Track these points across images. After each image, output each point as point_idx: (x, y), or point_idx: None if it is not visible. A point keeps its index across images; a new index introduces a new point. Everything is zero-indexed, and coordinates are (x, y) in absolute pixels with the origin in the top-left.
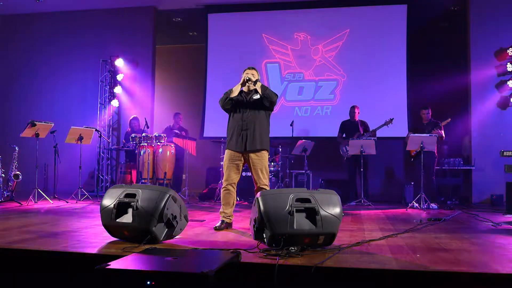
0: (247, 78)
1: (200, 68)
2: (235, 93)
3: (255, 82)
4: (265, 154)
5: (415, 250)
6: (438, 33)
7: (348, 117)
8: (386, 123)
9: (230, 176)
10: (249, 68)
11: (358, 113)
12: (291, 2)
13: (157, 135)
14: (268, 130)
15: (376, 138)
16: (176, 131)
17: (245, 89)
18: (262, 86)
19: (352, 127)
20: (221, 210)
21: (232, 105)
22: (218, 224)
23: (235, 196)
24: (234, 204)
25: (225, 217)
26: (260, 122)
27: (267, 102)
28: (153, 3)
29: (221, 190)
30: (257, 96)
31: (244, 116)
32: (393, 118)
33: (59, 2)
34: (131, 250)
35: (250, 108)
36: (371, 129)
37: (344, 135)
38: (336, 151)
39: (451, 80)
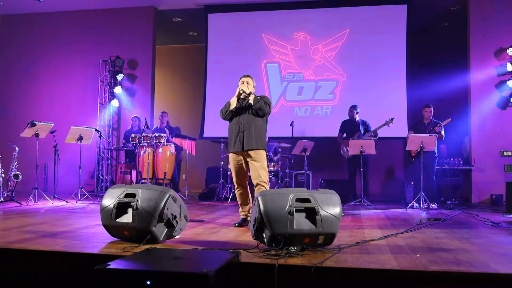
0: (242, 90)
1: (200, 68)
2: (233, 105)
3: (249, 95)
4: (262, 153)
5: (415, 250)
6: (438, 33)
7: (348, 117)
8: (387, 123)
9: (238, 177)
10: (244, 76)
11: (358, 112)
12: (291, 2)
13: (157, 135)
14: (264, 131)
15: (376, 138)
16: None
17: (241, 96)
18: (255, 99)
19: (352, 127)
20: (239, 210)
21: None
22: (238, 222)
23: (249, 193)
24: (251, 201)
25: (244, 215)
26: (256, 124)
27: (259, 112)
28: (153, 3)
29: (235, 192)
30: (252, 101)
31: (241, 119)
32: (393, 118)
33: (59, 2)
34: (131, 250)
35: (246, 111)
36: (372, 129)
37: (344, 135)
38: (336, 151)
39: (451, 80)
